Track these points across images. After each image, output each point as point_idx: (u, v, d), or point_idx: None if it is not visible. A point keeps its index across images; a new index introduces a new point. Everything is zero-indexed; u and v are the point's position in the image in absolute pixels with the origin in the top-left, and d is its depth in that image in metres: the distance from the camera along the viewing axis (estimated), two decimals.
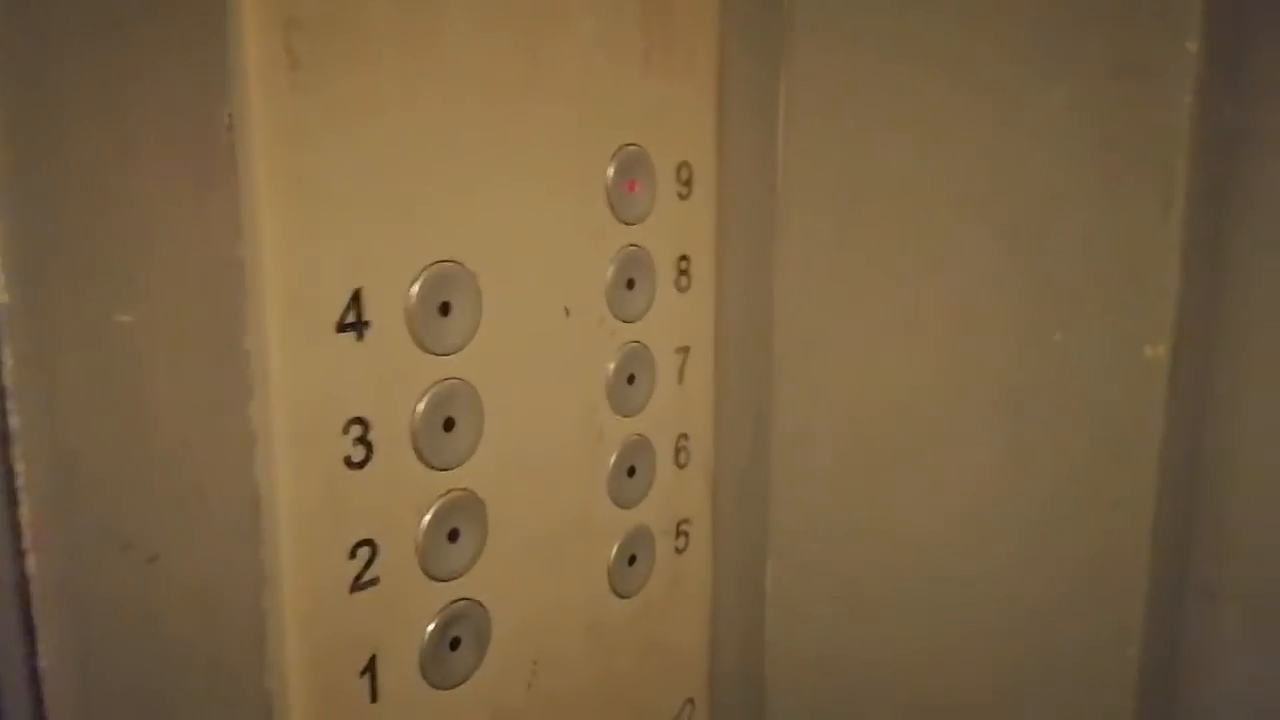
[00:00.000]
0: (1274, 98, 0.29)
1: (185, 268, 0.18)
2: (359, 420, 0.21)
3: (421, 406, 0.23)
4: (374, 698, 0.23)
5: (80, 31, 0.16)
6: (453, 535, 0.24)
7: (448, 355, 0.23)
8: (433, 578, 0.24)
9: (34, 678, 0.18)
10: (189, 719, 0.20)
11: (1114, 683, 0.30)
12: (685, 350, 0.30)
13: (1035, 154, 0.28)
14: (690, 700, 0.33)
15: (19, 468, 0.16)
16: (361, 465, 0.22)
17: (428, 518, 0.23)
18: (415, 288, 0.22)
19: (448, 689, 0.25)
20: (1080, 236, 0.28)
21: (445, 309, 0.23)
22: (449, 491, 0.24)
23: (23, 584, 0.17)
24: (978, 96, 0.29)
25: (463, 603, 0.25)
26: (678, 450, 0.31)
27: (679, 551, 0.32)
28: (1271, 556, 0.32)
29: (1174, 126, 0.26)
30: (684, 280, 0.30)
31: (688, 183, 0.29)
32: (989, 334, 0.30)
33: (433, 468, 0.23)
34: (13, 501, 0.17)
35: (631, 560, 0.30)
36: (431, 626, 0.24)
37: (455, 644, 0.25)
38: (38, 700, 0.18)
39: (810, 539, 0.36)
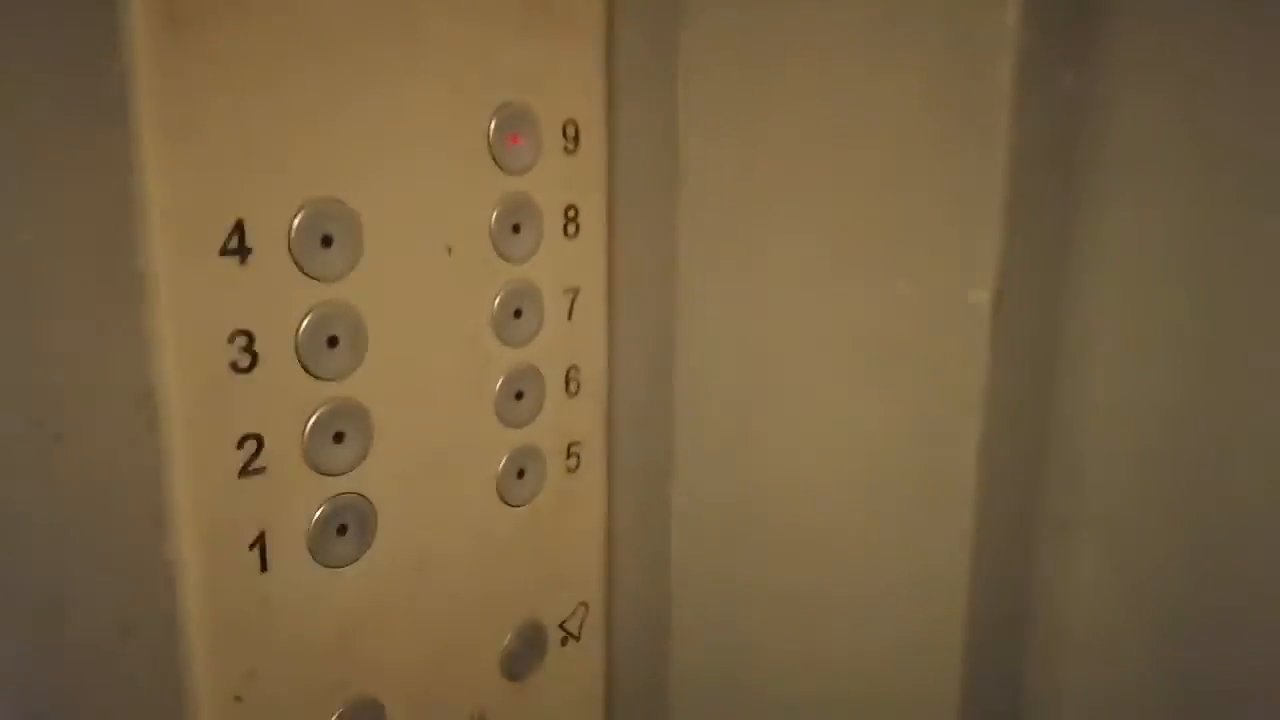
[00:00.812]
0: (1113, 67, 0.32)
1: (81, 199, 0.22)
2: (244, 332, 0.25)
3: (304, 324, 0.27)
4: (264, 568, 0.27)
5: None
6: (338, 437, 0.28)
7: (330, 281, 0.27)
8: (319, 472, 0.28)
9: None
10: (93, 582, 0.24)
11: (948, 602, 0.33)
12: (574, 290, 0.34)
13: (883, 113, 0.31)
14: (584, 604, 0.37)
15: None
16: (247, 370, 0.26)
17: (312, 419, 0.27)
18: (296, 220, 0.26)
19: (335, 568, 0.29)
20: (919, 193, 0.31)
21: (327, 241, 0.27)
22: (333, 398, 0.28)
23: None
24: (839, 67, 0.32)
25: (349, 496, 0.29)
26: (568, 380, 0.35)
27: (570, 471, 0.35)
28: (1120, 487, 0.35)
29: (995, 92, 0.29)
30: (572, 228, 0.33)
31: (574, 138, 0.33)
32: (846, 280, 0.33)
33: (317, 377, 0.27)
34: None
35: (520, 474, 0.34)
36: (318, 513, 0.28)
37: (342, 530, 0.29)
38: None
39: (711, 465, 0.39)
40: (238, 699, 0.27)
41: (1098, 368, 0.34)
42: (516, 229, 0.32)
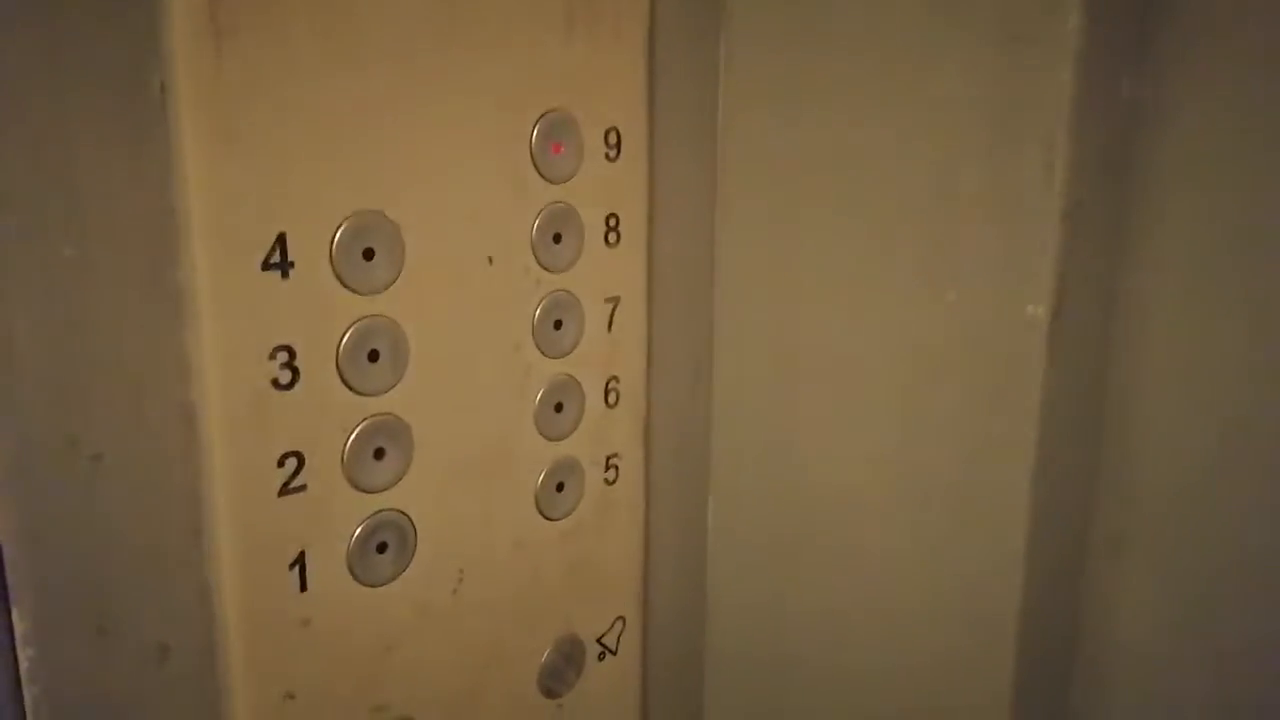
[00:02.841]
0: (1171, 74, 0.31)
1: (122, 211, 0.22)
2: (285, 348, 0.25)
3: (346, 338, 0.26)
4: (303, 588, 0.26)
5: (23, 18, 0.20)
6: (378, 453, 0.27)
7: (372, 295, 0.26)
8: (359, 489, 0.27)
9: None
10: (134, 601, 0.24)
11: (998, 618, 0.32)
12: (615, 300, 0.33)
13: (933, 123, 0.31)
14: (621, 618, 0.36)
15: None
16: (289, 387, 0.25)
17: (352, 436, 0.27)
18: (338, 233, 0.25)
19: (374, 586, 0.28)
20: (972, 203, 0.30)
21: (369, 254, 0.26)
22: (374, 414, 0.27)
23: None
24: (886, 68, 0.31)
25: (389, 512, 0.28)
26: (607, 391, 0.34)
27: (609, 483, 0.35)
28: (1174, 503, 0.34)
29: (1054, 98, 0.28)
30: (613, 236, 0.33)
31: (616, 146, 0.32)
32: (893, 292, 0.32)
33: (358, 393, 0.27)
34: None
35: (560, 487, 0.33)
36: (358, 530, 0.27)
37: (382, 548, 0.28)
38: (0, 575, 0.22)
39: (751, 479, 0.39)
40: None
41: (1153, 382, 0.33)
42: (558, 238, 0.31)
